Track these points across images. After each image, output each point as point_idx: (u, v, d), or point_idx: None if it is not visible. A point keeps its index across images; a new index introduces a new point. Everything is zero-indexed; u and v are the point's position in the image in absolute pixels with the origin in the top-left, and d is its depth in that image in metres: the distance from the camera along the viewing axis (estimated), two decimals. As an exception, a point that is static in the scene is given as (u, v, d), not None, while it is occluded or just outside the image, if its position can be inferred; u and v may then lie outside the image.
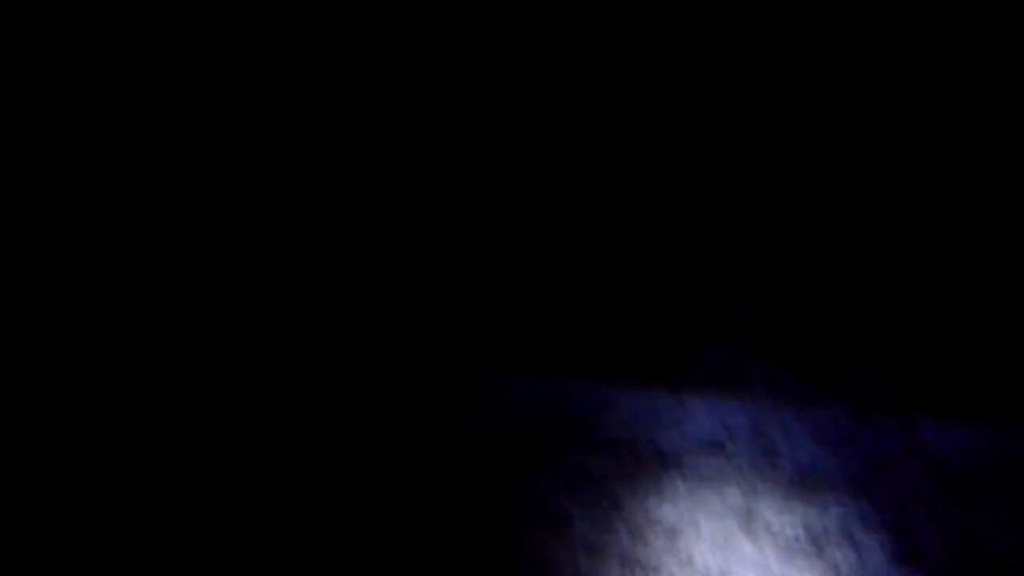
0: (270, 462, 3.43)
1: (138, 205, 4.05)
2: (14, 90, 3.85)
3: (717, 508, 3.02)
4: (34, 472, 3.02)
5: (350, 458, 3.43)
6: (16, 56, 3.87)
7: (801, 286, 4.49)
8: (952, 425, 3.43)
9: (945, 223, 4.31)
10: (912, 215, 4.36)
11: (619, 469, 3.28)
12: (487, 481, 3.25)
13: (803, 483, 3.14)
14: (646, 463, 3.30)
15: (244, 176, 4.69)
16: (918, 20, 3.71)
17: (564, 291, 4.69)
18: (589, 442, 3.46)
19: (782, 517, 2.96)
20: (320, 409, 3.80)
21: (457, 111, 4.60)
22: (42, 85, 4.02)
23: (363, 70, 4.53)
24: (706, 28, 4.01)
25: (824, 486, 3.12)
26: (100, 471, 3.29)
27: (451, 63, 4.26)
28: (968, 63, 3.84)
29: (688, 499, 3.08)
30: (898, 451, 3.29)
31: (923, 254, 4.39)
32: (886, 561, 2.72)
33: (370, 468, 3.36)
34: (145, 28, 4.26)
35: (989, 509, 2.95)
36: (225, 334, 4.32)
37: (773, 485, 3.14)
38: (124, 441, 3.48)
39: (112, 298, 3.77)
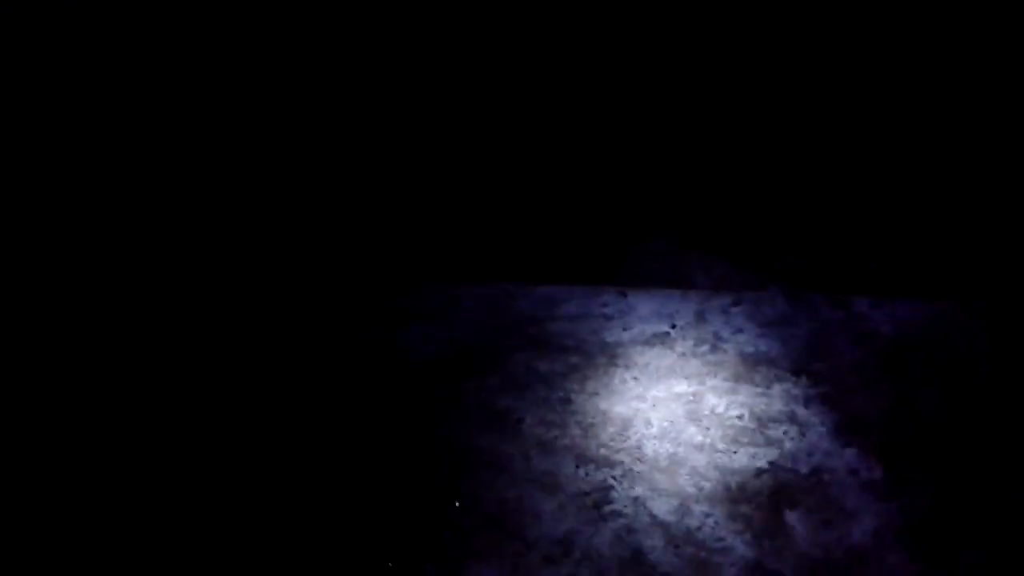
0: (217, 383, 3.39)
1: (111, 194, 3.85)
2: (12, 89, 3.65)
3: (664, 397, 3.09)
4: (30, 472, 2.93)
5: (297, 372, 3.41)
6: (15, 55, 3.66)
7: (735, 178, 4.51)
8: (885, 301, 3.53)
9: (876, 113, 4.33)
10: (842, 105, 4.37)
11: (567, 366, 3.32)
12: (435, 386, 3.26)
13: (746, 366, 3.22)
14: (594, 359, 3.35)
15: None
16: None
17: (506, 198, 4.63)
18: (536, 342, 3.48)
19: (727, 400, 3.04)
20: (267, 326, 3.75)
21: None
22: (40, 84, 3.80)
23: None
24: None
25: (766, 367, 3.20)
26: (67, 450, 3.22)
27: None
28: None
29: (636, 391, 3.14)
30: (835, 328, 3.39)
31: (856, 143, 4.43)
32: (827, 435, 2.82)
33: (318, 380, 3.34)
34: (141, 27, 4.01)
35: (922, 379, 3.07)
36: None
37: (717, 371, 3.21)
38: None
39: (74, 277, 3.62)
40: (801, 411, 2.96)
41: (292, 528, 2.65)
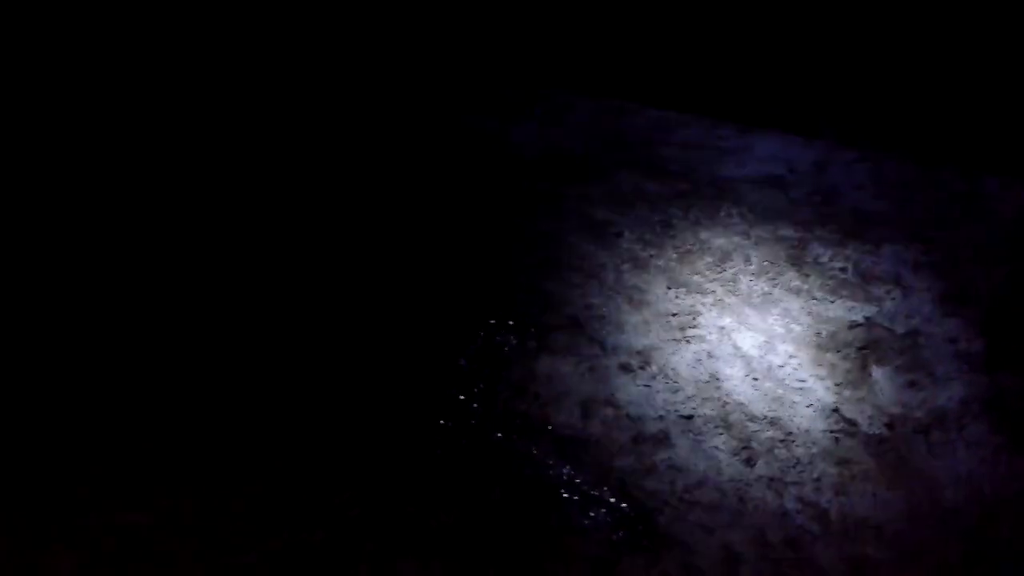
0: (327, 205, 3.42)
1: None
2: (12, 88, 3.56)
3: (768, 238, 3.01)
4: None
5: (404, 150, 3.42)
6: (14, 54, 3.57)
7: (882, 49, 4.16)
8: (1016, 183, 3.30)
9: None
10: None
11: (673, 191, 3.24)
12: (537, 186, 3.24)
13: (858, 223, 3.09)
14: (702, 189, 3.26)
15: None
16: None
17: (637, 13, 4.39)
18: (646, 162, 3.39)
19: (832, 252, 2.95)
20: (376, 122, 3.73)
21: None
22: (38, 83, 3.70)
23: None
24: None
25: (879, 228, 3.07)
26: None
27: None
28: None
29: (740, 227, 3.07)
30: (959, 202, 3.20)
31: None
32: (930, 301, 2.73)
33: (421, 160, 3.35)
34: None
35: (1045, 265, 2.91)
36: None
37: (828, 222, 3.10)
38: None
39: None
40: (908, 275, 2.85)
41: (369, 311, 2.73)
